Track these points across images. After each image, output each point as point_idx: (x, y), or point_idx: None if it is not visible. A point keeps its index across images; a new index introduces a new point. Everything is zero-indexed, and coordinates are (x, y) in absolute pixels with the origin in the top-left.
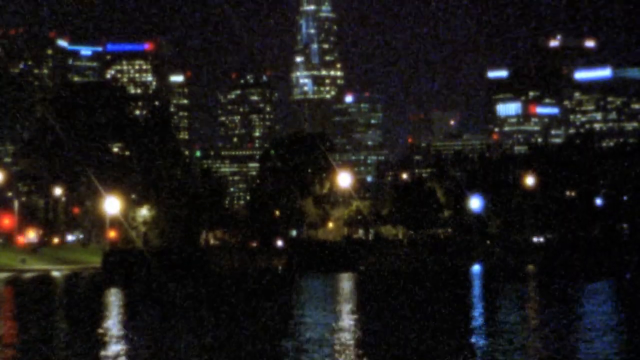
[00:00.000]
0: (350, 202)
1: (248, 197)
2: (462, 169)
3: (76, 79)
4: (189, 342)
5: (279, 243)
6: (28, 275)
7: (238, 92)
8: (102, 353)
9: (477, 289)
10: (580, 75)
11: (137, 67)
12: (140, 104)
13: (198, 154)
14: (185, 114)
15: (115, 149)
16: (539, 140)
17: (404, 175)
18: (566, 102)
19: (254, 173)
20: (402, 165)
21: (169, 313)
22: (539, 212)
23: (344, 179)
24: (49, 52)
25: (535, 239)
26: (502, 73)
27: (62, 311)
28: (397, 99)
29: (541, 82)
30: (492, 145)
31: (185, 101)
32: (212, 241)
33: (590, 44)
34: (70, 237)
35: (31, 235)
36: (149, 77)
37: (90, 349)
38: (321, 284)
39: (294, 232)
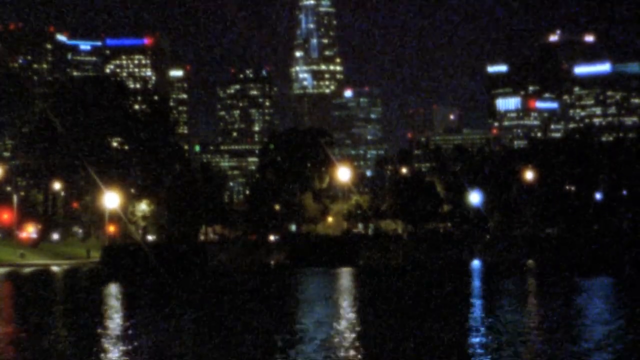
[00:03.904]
0: (350, 196)
1: (247, 192)
2: (462, 164)
3: (75, 73)
4: (188, 337)
5: (279, 237)
6: (27, 270)
7: (237, 86)
8: (102, 349)
9: (476, 284)
10: (580, 70)
11: (136, 61)
12: (139, 98)
13: (197, 148)
14: (185, 108)
15: (115, 144)
16: (539, 134)
17: (404, 170)
18: (566, 97)
19: (253, 168)
20: (401, 159)
21: (168, 308)
22: (539, 207)
23: (344, 174)
24: (48, 46)
25: (534, 234)
26: (502, 68)
27: (62, 306)
28: (396, 93)
29: (541, 77)
30: (492, 139)
31: (185, 96)
32: (211, 236)
33: (589, 38)
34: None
35: (30, 229)
36: (148, 72)
37: (89, 344)
38: (320, 278)
39: (293, 227)
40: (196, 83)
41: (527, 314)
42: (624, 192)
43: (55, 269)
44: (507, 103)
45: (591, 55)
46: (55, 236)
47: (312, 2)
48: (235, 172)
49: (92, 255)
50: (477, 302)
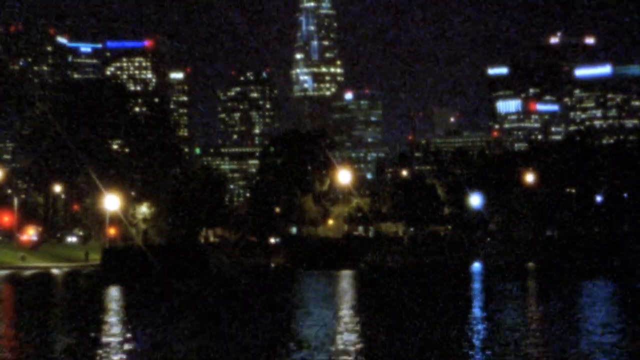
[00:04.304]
0: (350, 199)
1: (248, 194)
2: (463, 166)
3: (76, 76)
4: (188, 340)
5: (279, 240)
6: (28, 272)
7: (238, 89)
8: (102, 350)
9: (477, 287)
10: (581, 72)
11: (136, 64)
12: (140, 101)
13: (198, 151)
14: (185, 110)
15: (115, 146)
16: (539, 137)
17: (404, 172)
18: (566, 99)
19: (253, 170)
20: (402, 162)
21: (169, 310)
22: (539, 209)
23: (344, 176)
24: (49, 49)
25: (535, 236)
26: (502, 70)
27: (62, 308)
28: (397, 96)
29: (541, 79)
30: (492, 142)
31: (185, 98)
32: (211, 238)
33: (590, 41)
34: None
35: (31, 232)
36: (149, 74)
37: (90, 347)
38: (321, 281)
39: (293, 229)
40: (196, 85)
41: (527, 317)
42: (625, 195)
43: (55, 271)
44: (508, 105)
45: (592, 57)
46: (56, 239)
47: (312, 4)
48: (236, 174)
49: (92, 257)
50: (477, 305)
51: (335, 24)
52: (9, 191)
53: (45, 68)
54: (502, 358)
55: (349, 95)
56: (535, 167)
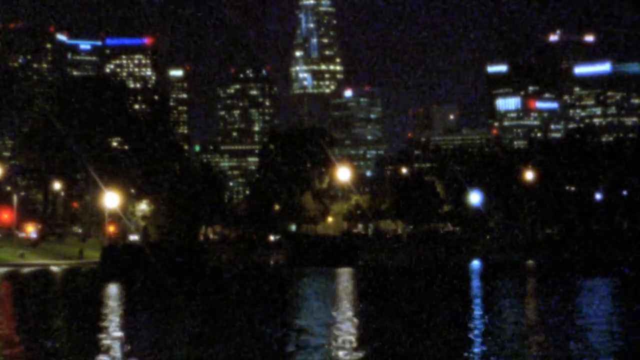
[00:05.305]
0: (350, 196)
1: (247, 192)
2: (462, 164)
3: (75, 73)
4: (187, 338)
5: (278, 237)
6: (27, 270)
7: (237, 86)
8: (101, 348)
9: (476, 285)
10: (580, 70)
11: (136, 61)
12: (139, 98)
13: (197, 148)
14: (185, 108)
15: (115, 143)
16: (539, 135)
17: (404, 170)
18: (566, 97)
19: (253, 167)
20: (401, 160)
21: (168, 308)
22: (539, 207)
23: (344, 174)
24: (48, 46)
25: (534, 234)
26: (502, 68)
27: (61, 305)
28: (396, 93)
29: (541, 77)
30: (492, 140)
31: (185, 95)
32: (211, 236)
33: (589, 38)
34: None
35: (30, 229)
36: (148, 72)
37: (89, 344)
38: (320, 278)
39: (293, 227)
40: (196, 83)
41: (526, 315)
42: (624, 193)
43: (54, 269)
44: (507, 103)
45: (591, 55)
46: (55, 236)
47: (312, 1)
48: (235, 172)
49: (89, 255)
50: (476, 302)
51: (334, 22)
52: (9, 188)
53: (44, 65)
54: (502, 358)
55: (348, 93)
56: (534, 164)
